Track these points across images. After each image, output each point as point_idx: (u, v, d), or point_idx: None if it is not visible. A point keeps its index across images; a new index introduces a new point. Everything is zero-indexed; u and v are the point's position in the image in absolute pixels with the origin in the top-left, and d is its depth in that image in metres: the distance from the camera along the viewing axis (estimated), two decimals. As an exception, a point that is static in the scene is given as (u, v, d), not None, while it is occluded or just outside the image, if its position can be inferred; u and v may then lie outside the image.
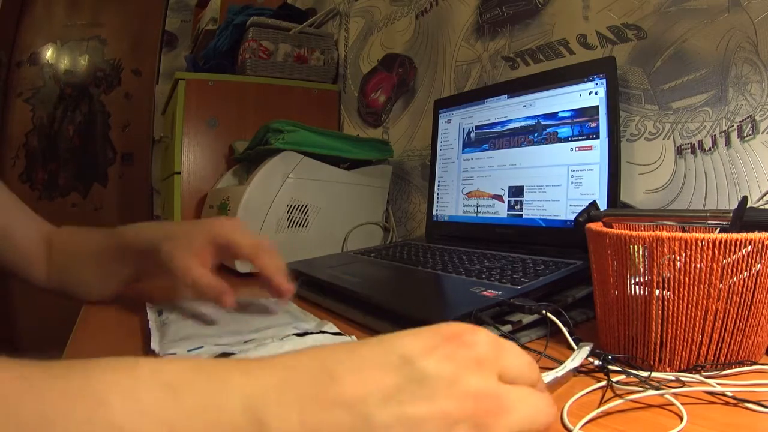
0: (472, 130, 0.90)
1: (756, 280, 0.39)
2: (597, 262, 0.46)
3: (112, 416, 0.20)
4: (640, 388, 0.37)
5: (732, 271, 0.38)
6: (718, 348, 0.40)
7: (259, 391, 0.22)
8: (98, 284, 0.64)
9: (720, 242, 0.38)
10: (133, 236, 0.60)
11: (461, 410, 0.23)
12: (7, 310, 2.20)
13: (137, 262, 0.60)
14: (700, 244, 0.38)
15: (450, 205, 0.93)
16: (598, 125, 0.70)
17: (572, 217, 0.71)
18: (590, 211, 0.57)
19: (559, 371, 0.39)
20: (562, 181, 0.73)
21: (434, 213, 0.96)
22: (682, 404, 0.34)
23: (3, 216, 0.61)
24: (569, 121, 0.73)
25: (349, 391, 0.22)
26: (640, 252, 0.41)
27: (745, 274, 0.38)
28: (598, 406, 0.34)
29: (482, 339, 0.26)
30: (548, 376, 0.38)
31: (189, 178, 1.33)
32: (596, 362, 0.41)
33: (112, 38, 2.54)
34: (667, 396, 0.35)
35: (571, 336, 0.45)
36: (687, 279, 0.39)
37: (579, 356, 0.41)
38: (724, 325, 0.39)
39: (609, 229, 0.44)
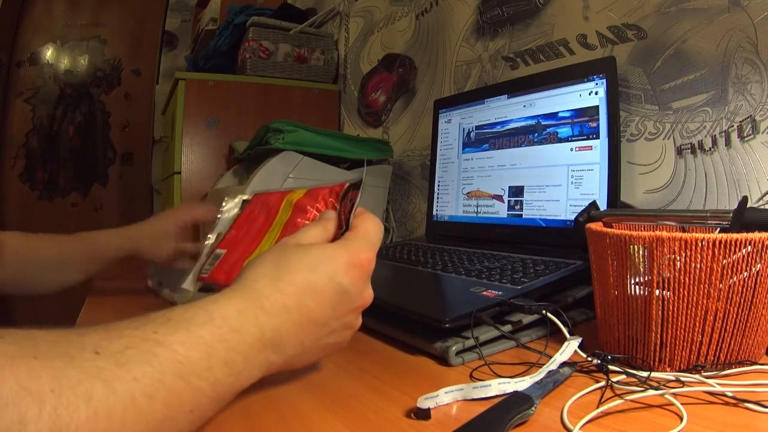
0: (472, 130, 0.90)
1: (756, 280, 0.39)
2: (597, 262, 0.46)
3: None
4: (640, 388, 0.37)
5: (732, 271, 0.38)
6: (718, 348, 0.40)
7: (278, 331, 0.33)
8: (59, 283, 0.73)
9: (720, 242, 0.38)
10: (104, 243, 0.73)
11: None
12: (6, 308, 2.19)
13: (107, 263, 0.74)
14: (700, 244, 0.38)
15: (450, 205, 0.93)
16: (598, 125, 0.69)
17: (572, 217, 0.71)
18: (590, 211, 0.57)
19: (550, 365, 0.39)
20: (562, 181, 0.73)
21: (434, 213, 0.96)
22: (682, 404, 0.34)
23: None
24: (569, 121, 0.73)
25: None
26: (640, 252, 0.41)
27: (745, 274, 0.38)
28: (598, 406, 0.34)
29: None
30: (541, 373, 0.39)
31: (189, 178, 1.33)
32: (596, 362, 0.41)
33: (112, 38, 2.54)
34: (667, 396, 0.35)
35: (570, 336, 0.45)
36: (687, 279, 0.39)
37: (568, 350, 0.42)
38: (724, 325, 0.39)
39: (609, 229, 0.44)
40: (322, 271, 0.35)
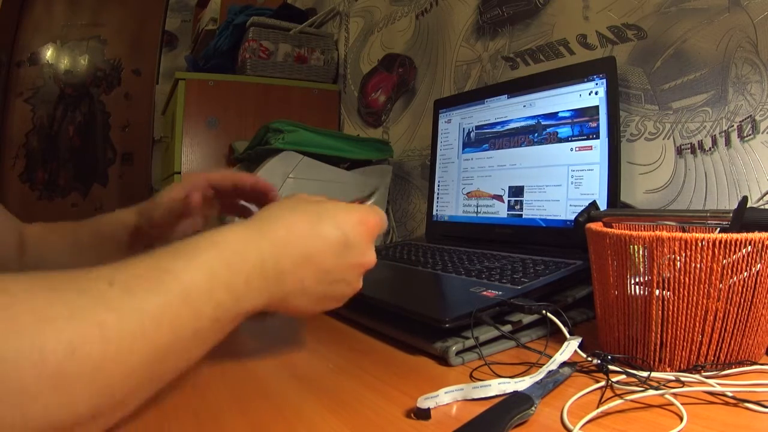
0: (472, 130, 0.90)
1: (756, 280, 0.39)
2: (597, 262, 0.46)
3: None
4: (640, 388, 0.37)
5: (732, 271, 0.38)
6: (718, 348, 0.40)
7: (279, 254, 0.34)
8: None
9: (720, 242, 0.38)
10: (108, 222, 0.64)
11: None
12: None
13: (118, 245, 0.63)
14: (700, 244, 0.38)
15: (450, 205, 0.93)
16: (598, 125, 0.69)
17: (572, 217, 0.71)
18: (590, 211, 0.57)
19: (550, 365, 0.39)
20: (562, 181, 0.73)
21: (434, 213, 0.96)
22: (682, 404, 0.34)
23: None
24: (569, 121, 0.73)
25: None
26: (640, 252, 0.41)
27: (745, 274, 0.38)
28: (598, 406, 0.34)
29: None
30: (541, 373, 0.39)
31: (189, 178, 1.33)
32: (596, 362, 0.41)
33: (112, 38, 2.54)
34: (667, 396, 0.35)
35: (570, 336, 0.45)
36: (687, 279, 0.39)
37: (568, 350, 0.42)
38: (724, 325, 0.39)
39: (609, 229, 0.44)
40: (331, 221, 0.37)
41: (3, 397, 0.21)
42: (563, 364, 0.41)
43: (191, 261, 0.30)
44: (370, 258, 0.40)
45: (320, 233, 0.36)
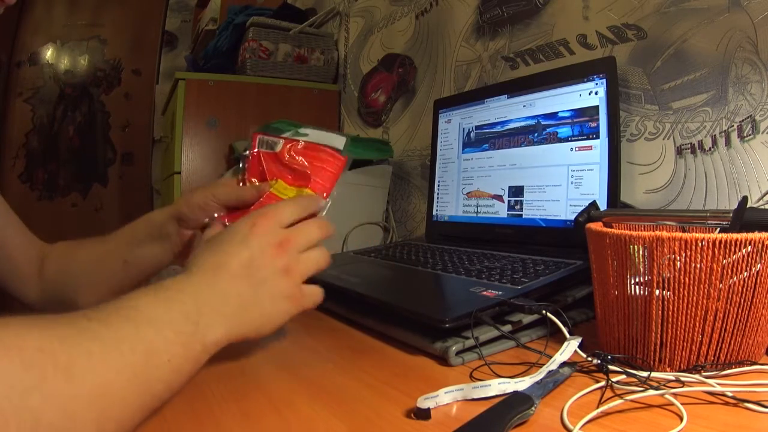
0: (472, 130, 0.90)
1: (756, 280, 0.39)
2: (597, 262, 0.46)
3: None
4: (640, 388, 0.37)
5: (732, 271, 0.38)
6: (718, 348, 0.40)
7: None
8: (97, 290, 0.63)
9: (720, 242, 0.38)
10: (147, 219, 0.66)
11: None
12: (5, 311, 2.20)
13: (156, 239, 0.63)
14: (700, 244, 0.38)
15: (450, 205, 0.93)
16: (598, 125, 0.69)
17: (572, 217, 0.71)
18: (590, 211, 0.57)
19: (550, 365, 0.39)
20: (562, 181, 0.73)
21: (434, 213, 0.96)
22: (682, 404, 0.34)
23: (0, 229, 0.61)
24: (569, 121, 0.73)
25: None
26: (640, 252, 0.41)
27: (745, 274, 0.38)
28: (598, 406, 0.34)
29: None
30: (541, 373, 0.39)
31: (189, 178, 1.33)
32: (596, 362, 0.41)
33: (112, 38, 2.54)
34: (667, 396, 0.35)
35: (570, 336, 0.45)
36: (687, 279, 0.39)
37: (568, 350, 0.42)
38: (724, 325, 0.39)
39: (609, 229, 0.44)
40: (232, 238, 0.43)
41: (11, 415, 0.24)
42: (563, 364, 0.41)
43: (149, 298, 0.36)
44: (289, 234, 0.44)
45: (229, 252, 0.42)
